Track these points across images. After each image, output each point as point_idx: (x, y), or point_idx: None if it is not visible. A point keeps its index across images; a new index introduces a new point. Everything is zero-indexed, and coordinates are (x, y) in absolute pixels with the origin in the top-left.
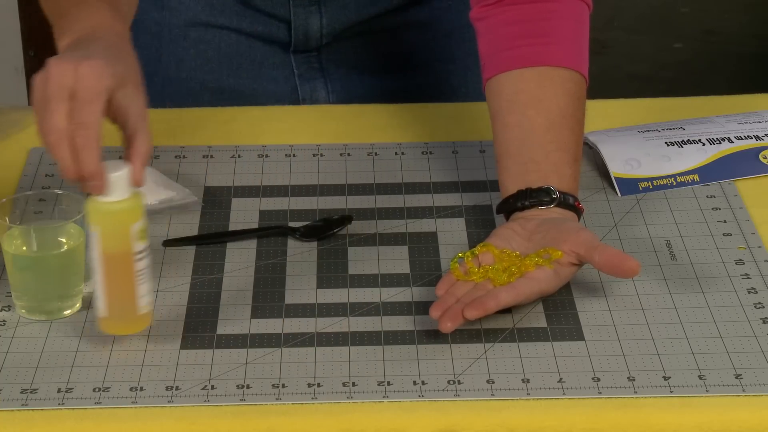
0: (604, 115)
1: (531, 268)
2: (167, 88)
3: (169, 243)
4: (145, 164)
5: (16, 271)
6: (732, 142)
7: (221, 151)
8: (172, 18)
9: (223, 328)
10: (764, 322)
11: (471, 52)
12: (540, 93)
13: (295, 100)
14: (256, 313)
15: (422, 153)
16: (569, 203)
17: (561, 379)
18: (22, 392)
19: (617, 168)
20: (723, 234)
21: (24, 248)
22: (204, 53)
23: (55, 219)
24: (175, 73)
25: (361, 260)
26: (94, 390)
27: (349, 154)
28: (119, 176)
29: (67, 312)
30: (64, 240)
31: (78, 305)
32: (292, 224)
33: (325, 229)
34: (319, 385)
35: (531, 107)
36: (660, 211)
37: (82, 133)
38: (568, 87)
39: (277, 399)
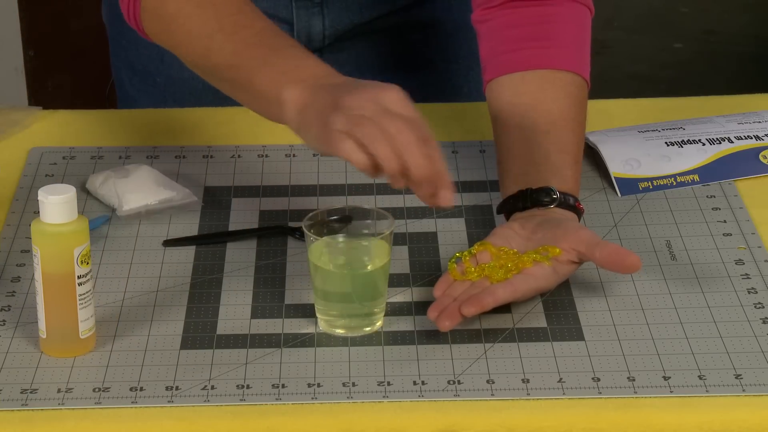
0: (604, 115)
1: (528, 265)
2: (170, 88)
3: (169, 243)
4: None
5: (320, 285)
6: (732, 142)
7: (221, 151)
8: None
9: (223, 328)
10: (764, 322)
11: (473, 52)
12: (541, 95)
13: None
14: (256, 313)
15: None
16: (569, 204)
17: (561, 379)
18: (22, 392)
19: (617, 168)
20: (723, 234)
21: (329, 262)
22: None
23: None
24: (178, 73)
25: None
26: (94, 390)
27: None
28: (64, 199)
29: (367, 329)
30: (368, 255)
31: (379, 323)
32: (292, 224)
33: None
34: (319, 385)
35: (532, 110)
36: (660, 211)
37: (431, 144)
38: (569, 90)
39: (277, 399)
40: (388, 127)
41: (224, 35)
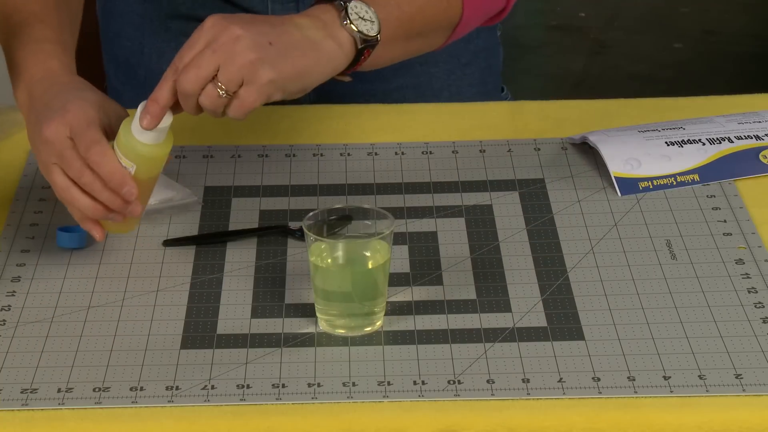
0: (604, 115)
1: None
2: (149, 80)
3: (169, 243)
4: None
5: (320, 284)
6: (732, 142)
7: (221, 151)
8: (154, 10)
9: (223, 328)
10: (764, 322)
11: (454, 55)
12: None
13: None
14: (256, 313)
15: (422, 153)
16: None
17: (561, 378)
18: (22, 392)
19: (617, 168)
20: (723, 234)
21: (329, 261)
22: None
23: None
24: (157, 65)
25: None
26: (94, 390)
27: (349, 154)
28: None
29: (367, 329)
30: (369, 254)
31: (379, 323)
32: (292, 224)
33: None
34: (319, 385)
35: None
36: (660, 210)
37: (94, 149)
38: None
39: (277, 399)
40: (86, 158)
41: (1, 18)
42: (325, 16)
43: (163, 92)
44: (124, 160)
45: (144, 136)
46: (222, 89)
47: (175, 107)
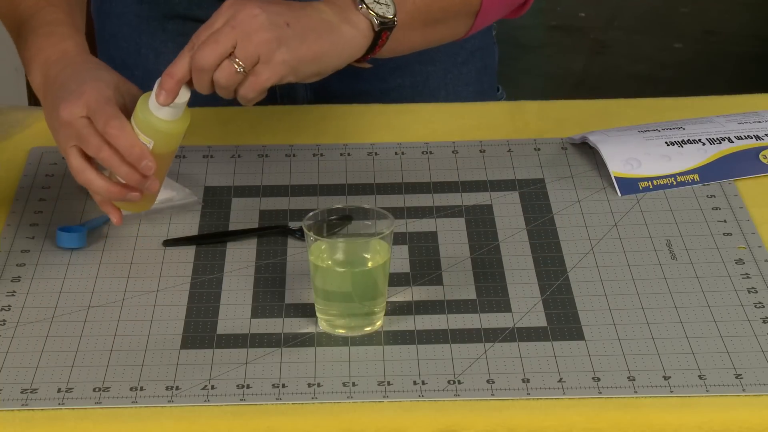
0: (604, 115)
1: None
2: (147, 81)
3: (169, 243)
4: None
5: (320, 284)
6: (732, 142)
7: (221, 151)
8: (151, 11)
9: (223, 328)
10: (764, 322)
11: (451, 54)
12: None
13: (271, 96)
14: (256, 313)
15: (422, 153)
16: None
17: (561, 378)
18: (22, 392)
19: (617, 168)
20: (723, 234)
21: (329, 261)
22: (182, 46)
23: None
24: (154, 65)
25: None
26: (94, 390)
27: (349, 154)
28: (184, 100)
29: (368, 329)
30: (368, 254)
31: (379, 323)
32: (292, 224)
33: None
34: (319, 385)
35: None
36: (660, 210)
37: (112, 124)
38: None
39: (277, 399)
40: (104, 132)
41: (9, 5)
42: (341, 1)
43: (178, 67)
44: (141, 136)
45: (161, 112)
46: (239, 65)
47: (189, 85)
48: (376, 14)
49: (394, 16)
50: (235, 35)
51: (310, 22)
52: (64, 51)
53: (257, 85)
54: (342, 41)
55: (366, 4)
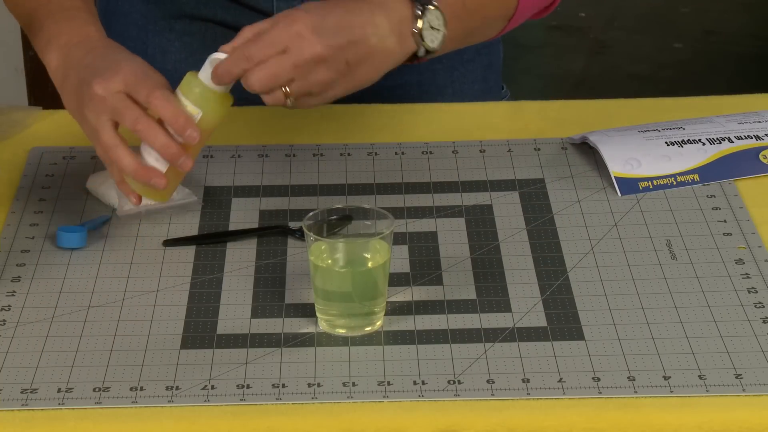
0: (604, 115)
1: None
2: None
3: (169, 243)
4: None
5: (320, 284)
6: (732, 142)
7: (221, 151)
8: (158, 10)
9: (223, 328)
10: (764, 322)
11: (458, 52)
12: None
13: None
14: (256, 313)
15: (422, 153)
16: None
17: (561, 379)
18: (22, 392)
19: (617, 168)
20: (723, 234)
21: (329, 261)
22: (189, 45)
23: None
24: (161, 64)
25: None
26: (94, 390)
27: (349, 154)
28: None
29: (368, 329)
30: (368, 254)
31: (380, 323)
32: (292, 224)
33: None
34: (319, 385)
35: None
36: (660, 210)
37: (156, 94)
38: None
39: (277, 399)
40: (142, 102)
41: None
42: (401, 13)
43: (234, 71)
44: (190, 107)
45: (213, 83)
46: (291, 99)
47: None
48: (424, 42)
49: (440, 44)
50: (293, 74)
51: (368, 52)
52: (86, 35)
53: (300, 107)
54: (389, 64)
55: (421, 29)
